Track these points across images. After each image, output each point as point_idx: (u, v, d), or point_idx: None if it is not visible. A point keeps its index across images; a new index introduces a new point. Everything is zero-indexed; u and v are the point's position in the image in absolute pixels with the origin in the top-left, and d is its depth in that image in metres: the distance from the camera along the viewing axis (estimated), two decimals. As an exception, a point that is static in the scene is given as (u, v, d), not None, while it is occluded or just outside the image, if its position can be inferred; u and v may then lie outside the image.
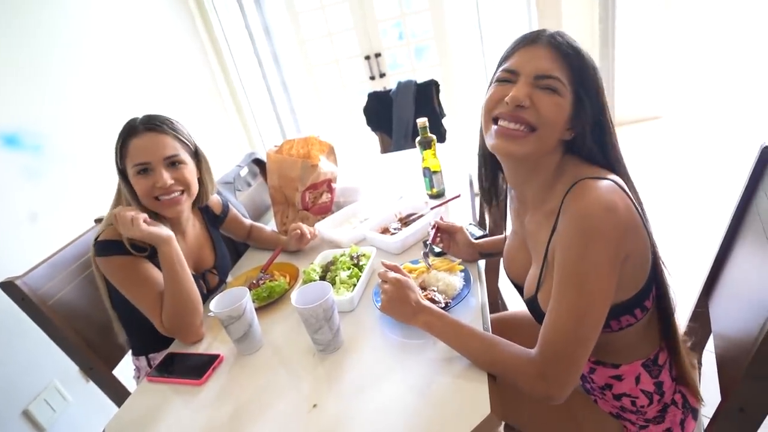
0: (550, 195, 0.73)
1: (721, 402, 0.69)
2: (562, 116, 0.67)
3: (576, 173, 0.69)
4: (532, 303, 0.77)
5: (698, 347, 1.02)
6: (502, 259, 0.92)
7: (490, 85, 0.74)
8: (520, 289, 0.86)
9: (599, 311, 0.63)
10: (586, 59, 0.68)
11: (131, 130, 1.01)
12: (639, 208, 0.67)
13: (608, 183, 0.64)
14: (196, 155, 1.11)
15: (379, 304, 0.85)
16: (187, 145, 1.08)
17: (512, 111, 0.68)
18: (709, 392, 0.85)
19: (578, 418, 0.83)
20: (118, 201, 1.07)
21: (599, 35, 2.93)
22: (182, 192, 1.06)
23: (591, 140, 0.69)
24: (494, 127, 0.72)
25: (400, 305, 0.80)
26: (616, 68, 3.17)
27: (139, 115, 1.06)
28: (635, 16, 3.10)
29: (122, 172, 1.04)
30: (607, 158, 0.70)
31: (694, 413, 0.80)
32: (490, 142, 0.73)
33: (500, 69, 0.72)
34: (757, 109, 3.07)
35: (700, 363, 1.01)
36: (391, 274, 0.84)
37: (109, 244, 1.00)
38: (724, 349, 0.79)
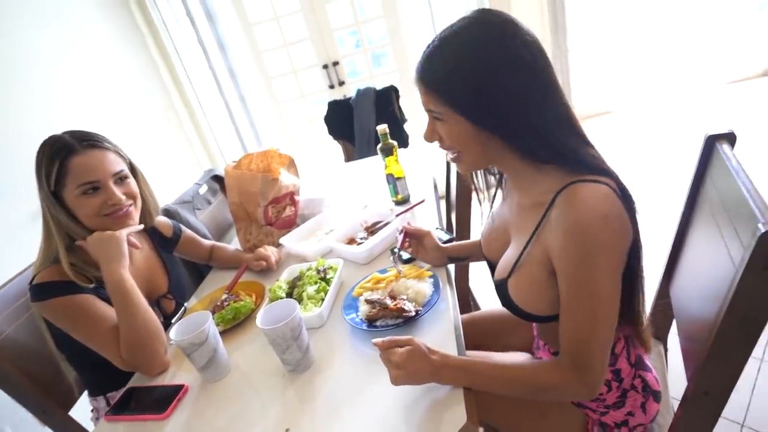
0: (533, 185, 0.74)
1: (687, 386, 0.70)
2: (463, 135, 0.72)
3: (564, 174, 0.68)
4: (501, 286, 0.78)
5: (663, 333, 1.05)
6: (481, 241, 0.94)
7: None
8: (492, 268, 0.87)
9: (613, 309, 0.67)
10: (453, 74, 0.67)
11: (68, 149, 0.95)
12: (627, 205, 0.67)
13: (598, 187, 0.65)
14: (132, 169, 1.07)
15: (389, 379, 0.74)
16: (125, 159, 1.05)
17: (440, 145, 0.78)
18: (677, 377, 0.87)
19: (543, 410, 0.86)
20: (48, 232, 0.98)
21: (550, 35, 3.03)
22: (131, 205, 1.03)
23: (522, 133, 0.69)
24: None
25: (419, 378, 0.73)
26: (570, 66, 3.28)
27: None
28: (585, 14, 3.23)
29: (55, 195, 0.96)
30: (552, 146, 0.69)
31: (656, 396, 0.82)
32: None
33: None
34: (705, 102, 3.25)
35: (666, 348, 1.04)
36: (398, 351, 0.72)
37: (47, 287, 0.93)
38: (687, 333, 0.81)
